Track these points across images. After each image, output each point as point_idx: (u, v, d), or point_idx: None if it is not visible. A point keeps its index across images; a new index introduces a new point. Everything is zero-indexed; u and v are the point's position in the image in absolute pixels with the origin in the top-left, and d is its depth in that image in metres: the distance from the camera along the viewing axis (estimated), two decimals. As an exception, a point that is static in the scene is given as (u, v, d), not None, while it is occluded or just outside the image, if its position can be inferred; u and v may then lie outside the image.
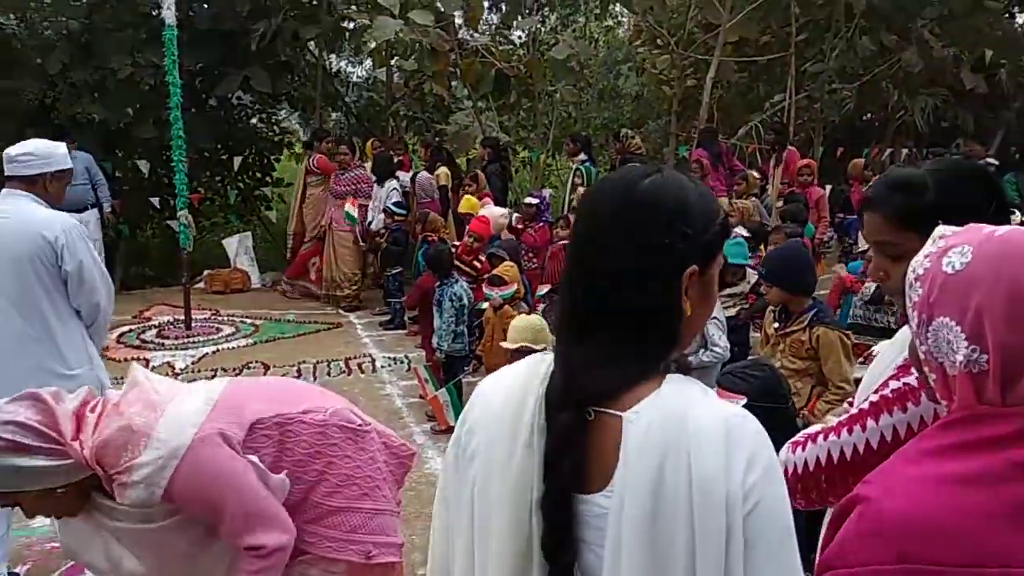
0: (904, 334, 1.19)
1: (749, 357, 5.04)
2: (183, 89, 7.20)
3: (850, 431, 1.43)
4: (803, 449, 1.50)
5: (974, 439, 0.98)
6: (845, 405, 1.64)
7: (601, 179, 1.18)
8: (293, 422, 2.15)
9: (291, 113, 13.31)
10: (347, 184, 8.47)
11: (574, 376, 1.05)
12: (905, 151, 11.36)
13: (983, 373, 0.99)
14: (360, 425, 2.26)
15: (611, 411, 1.03)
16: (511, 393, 1.10)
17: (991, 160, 9.63)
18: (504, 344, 4.43)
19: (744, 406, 2.57)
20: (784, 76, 10.56)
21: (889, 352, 1.53)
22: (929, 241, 1.12)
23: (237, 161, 10.00)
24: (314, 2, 9.67)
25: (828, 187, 8.61)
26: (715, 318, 4.39)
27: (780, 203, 7.64)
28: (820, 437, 1.48)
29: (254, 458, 2.04)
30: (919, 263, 1.10)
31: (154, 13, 8.32)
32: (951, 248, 1.06)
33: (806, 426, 2.02)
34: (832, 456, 1.44)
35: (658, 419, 1.00)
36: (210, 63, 9.70)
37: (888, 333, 3.62)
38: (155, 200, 9.39)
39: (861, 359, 3.16)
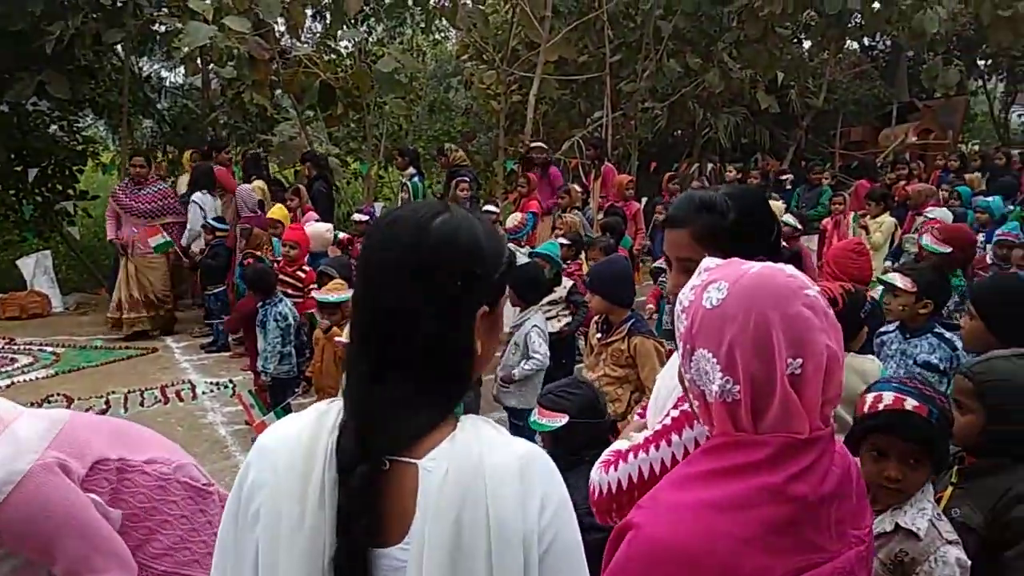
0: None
1: (576, 367, 5.22)
2: (-35, 95, 6.53)
3: (657, 447, 1.49)
4: (615, 469, 1.54)
5: (729, 466, 1.07)
6: (637, 419, 1.71)
7: (389, 217, 1.09)
8: (134, 470, 1.96)
9: (96, 120, 12.33)
10: (150, 202, 7.76)
11: (368, 425, 1.01)
12: (711, 165, 12.26)
13: (736, 402, 1.08)
14: (205, 485, 2.09)
15: (407, 459, 1.00)
16: (297, 447, 1.03)
17: (787, 174, 10.62)
18: (338, 339, 4.40)
19: (568, 423, 2.64)
20: (603, 94, 11.10)
21: (672, 368, 1.62)
22: (695, 273, 1.19)
23: (33, 173, 9.17)
24: (118, 4, 9.01)
25: (644, 200, 9.14)
26: (536, 326, 4.52)
27: (601, 216, 8.01)
28: (630, 455, 1.53)
29: (95, 496, 1.85)
30: (685, 295, 1.17)
31: (-73, 10, 7.46)
32: (711, 283, 1.13)
33: None
34: (643, 473, 1.49)
35: (455, 466, 0.98)
36: (-1, 67, 8.83)
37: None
38: (-65, 218, 8.42)
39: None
